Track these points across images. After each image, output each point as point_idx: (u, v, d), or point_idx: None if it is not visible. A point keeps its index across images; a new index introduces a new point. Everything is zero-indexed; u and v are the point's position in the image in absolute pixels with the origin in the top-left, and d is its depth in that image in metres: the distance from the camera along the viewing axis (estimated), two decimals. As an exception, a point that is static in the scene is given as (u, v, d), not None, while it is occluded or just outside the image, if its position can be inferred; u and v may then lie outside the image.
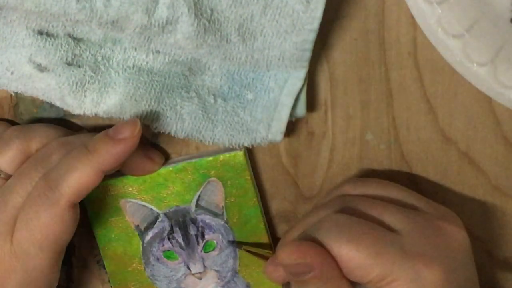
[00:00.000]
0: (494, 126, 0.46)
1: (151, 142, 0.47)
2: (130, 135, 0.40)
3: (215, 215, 0.47)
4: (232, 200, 0.47)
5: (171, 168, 0.46)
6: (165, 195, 0.46)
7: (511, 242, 0.49)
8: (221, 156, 0.45)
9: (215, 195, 0.47)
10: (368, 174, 0.47)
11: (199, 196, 0.47)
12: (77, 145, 0.42)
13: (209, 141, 0.44)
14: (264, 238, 0.47)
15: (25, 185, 0.41)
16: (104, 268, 0.49)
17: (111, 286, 0.49)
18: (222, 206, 0.47)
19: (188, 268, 0.48)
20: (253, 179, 0.46)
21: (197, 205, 0.47)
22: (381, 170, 0.47)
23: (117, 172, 0.45)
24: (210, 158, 0.46)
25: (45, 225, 0.40)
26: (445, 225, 0.40)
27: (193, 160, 0.46)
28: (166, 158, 0.47)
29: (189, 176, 0.46)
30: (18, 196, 0.41)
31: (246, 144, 0.44)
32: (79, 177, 0.40)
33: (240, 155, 0.45)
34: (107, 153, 0.40)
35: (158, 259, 0.48)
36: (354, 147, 0.47)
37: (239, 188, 0.46)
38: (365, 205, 0.41)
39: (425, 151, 0.47)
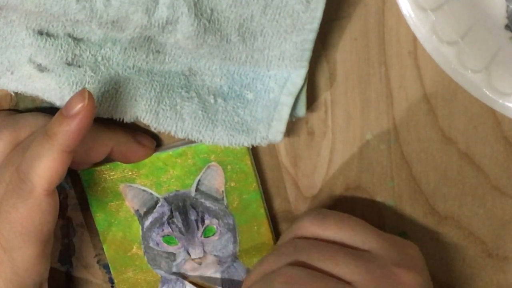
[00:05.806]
0: (494, 126, 0.46)
1: (140, 128, 0.46)
2: (81, 107, 0.39)
3: (215, 199, 0.47)
4: (232, 184, 0.47)
5: (171, 153, 0.46)
6: (165, 180, 0.46)
7: (511, 242, 0.49)
8: None
9: (215, 179, 0.46)
10: (368, 174, 0.47)
11: (199, 180, 0.46)
12: None
13: (209, 141, 0.44)
14: (264, 223, 0.47)
15: (10, 175, 0.41)
16: (105, 268, 0.49)
17: (112, 286, 0.49)
18: (222, 191, 0.47)
19: (188, 253, 0.48)
20: (253, 164, 0.46)
21: (197, 189, 0.47)
22: (381, 170, 0.47)
23: None
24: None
25: (24, 217, 0.40)
26: (400, 273, 0.41)
27: (193, 145, 0.46)
28: (158, 142, 0.47)
29: (189, 160, 0.46)
30: (5, 186, 0.41)
31: (246, 144, 0.44)
32: (46, 165, 0.39)
33: None
34: (65, 133, 0.39)
35: (157, 244, 0.48)
36: (354, 147, 0.47)
37: (239, 173, 0.46)
38: (319, 257, 0.41)
39: (425, 151, 0.47)
